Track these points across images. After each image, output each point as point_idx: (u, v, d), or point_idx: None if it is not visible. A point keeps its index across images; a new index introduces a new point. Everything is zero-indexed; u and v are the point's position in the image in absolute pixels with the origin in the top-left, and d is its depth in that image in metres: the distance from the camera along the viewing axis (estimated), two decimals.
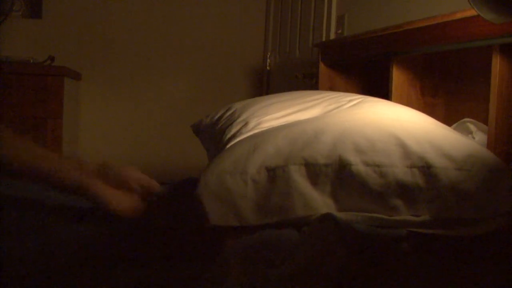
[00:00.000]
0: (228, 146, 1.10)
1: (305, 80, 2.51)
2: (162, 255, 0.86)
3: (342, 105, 1.26)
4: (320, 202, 0.92)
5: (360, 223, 0.86)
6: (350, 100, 1.27)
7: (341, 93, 1.40)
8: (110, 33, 3.15)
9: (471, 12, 1.18)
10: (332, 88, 2.05)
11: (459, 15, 1.29)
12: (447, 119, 1.70)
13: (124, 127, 3.15)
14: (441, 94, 1.72)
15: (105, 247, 0.85)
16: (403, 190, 0.91)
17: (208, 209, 0.89)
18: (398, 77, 1.66)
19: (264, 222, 0.90)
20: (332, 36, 2.53)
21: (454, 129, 1.55)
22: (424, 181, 0.92)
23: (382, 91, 1.60)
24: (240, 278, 0.66)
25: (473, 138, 1.46)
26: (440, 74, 1.72)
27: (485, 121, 1.37)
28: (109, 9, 3.17)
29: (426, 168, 0.92)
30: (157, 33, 3.24)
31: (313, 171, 0.94)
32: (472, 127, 1.48)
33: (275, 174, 0.93)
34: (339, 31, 2.47)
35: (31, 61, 2.70)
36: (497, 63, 1.22)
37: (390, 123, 1.05)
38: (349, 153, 0.94)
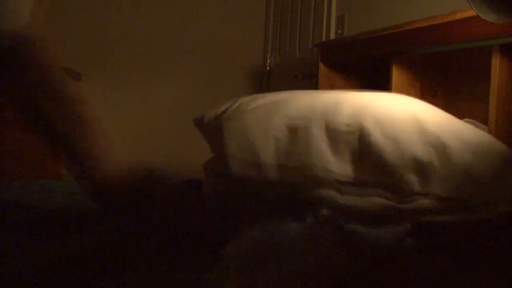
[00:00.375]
0: None
1: (305, 80, 2.51)
2: (159, 259, 0.85)
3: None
4: (338, 167, 0.95)
5: (366, 221, 0.87)
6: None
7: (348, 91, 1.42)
8: (110, 33, 3.15)
9: (471, 13, 1.18)
10: (332, 88, 2.05)
11: (459, 16, 1.29)
12: None
13: (124, 127, 3.15)
14: (441, 94, 1.72)
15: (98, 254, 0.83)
16: (418, 166, 0.93)
17: (231, 161, 0.93)
18: (398, 77, 1.66)
19: (282, 179, 0.93)
20: (332, 36, 2.53)
21: None
22: (439, 160, 0.94)
23: (382, 91, 1.60)
24: (240, 280, 0.67)
25: None
26: (440, 74, 1.72)
27: (485, 121, 1.37)
28: (109, 9, 3.17)
29: (441, 148, 0.95)
30: (157, 33, 3.24)
31: (334, 136, 0.97)
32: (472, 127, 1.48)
33: (297, 134, 0.98)
34: (339, 31, 2.47)
35: None
36: (496, 63, 1.22)
37: (408, 103, 1.09)
38: (369, 123, 0.97)
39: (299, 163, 0.95)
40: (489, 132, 1.26)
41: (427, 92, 1.71)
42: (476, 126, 1.47)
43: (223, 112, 1.39)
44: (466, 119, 1.52)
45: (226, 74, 3.37)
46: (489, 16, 0.95)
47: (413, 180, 0.93)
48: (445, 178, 0.93)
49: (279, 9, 3.20)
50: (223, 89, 3.32)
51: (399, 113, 1.02)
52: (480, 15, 0.95)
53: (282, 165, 0.96)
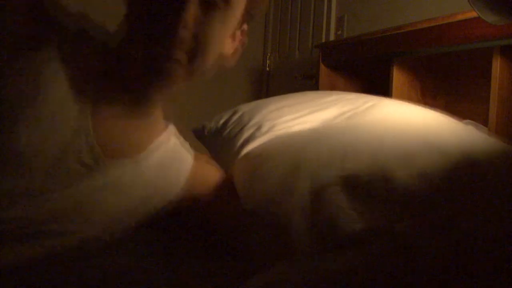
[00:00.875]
0: (245, 152, 1.08)
1: (305, 81, 2.51)
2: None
3: (358, 106, 1.22)
4: (364, 217, 0.87)
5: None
6: (365, 102, 1.24)
7: (351, 94, 1.38)
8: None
9: (472, 14, 1.18)
10: (332, 89, 2.05)
11: (459, 17, 1.29)
12: None
13: None
14: (441, 95, 1.72)
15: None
16: None
17: (259, 240, 0.84)
18: (398, 79, 1.66)
19: (317, 248, 0.83)
20: (332, 37, 2.53)
21: None
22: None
23: (383, 93, 1.60)
24: None
25: None
26: (441, 76, 1.72)
27: (485, 123, 1.37)
28: (109, 9, 3.17)
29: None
30: None
31: (355, 187, 0.86)
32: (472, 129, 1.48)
33: (319, 197, 0.86)
34: (339, 32, 2.48)
35: None
36: (497, 65, 1.22)
37: (421, 127, 1.05)
38: (391, 165, 0.88)
39: (328, 226, 0.82)
40: (489, 133, 1.26)
41: (427, 93, 1.71)
42: (476, 127, 1.48)
43: (224, 124, 1.34)
44: (467, 120, 1.52)
45: (226, 75, 3.37)
46: (490, 18, 0.95)
47: None
48: None
49: (279, 10, 3.20)
50: (223, 89, 3.32)
51: (417, 145, 0.94)
52: (481, 16, 0.95)
53: (312, 232, 0.83)
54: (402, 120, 1.11)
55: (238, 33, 0.94)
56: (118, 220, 0.88)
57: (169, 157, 0.97)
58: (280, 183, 0.88)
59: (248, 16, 0.92)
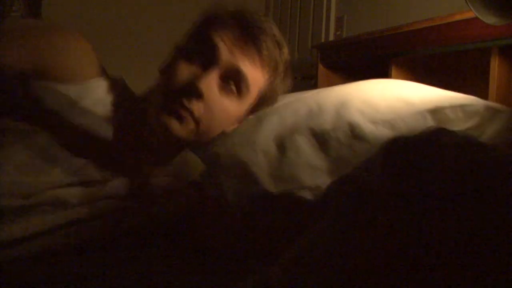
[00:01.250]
0: None
1: (304, 81, 2.51)
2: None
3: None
4: (326, 170, 0.94)
5: None
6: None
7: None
8: (109, 34, 3.15)
9: (470, 14, 1.18)
10: None
11: (457, 17, 1.29)
12: None
13: None
14: None
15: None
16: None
17: (226, 186, 0.93)
18: (396, 79, 1.66)
19: (280, 190, 0.92)
20: (331, 37, 2.53)
21: None
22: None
23: None
24: None
25: None
26: (439, 76, 1.72)
27: None
28: (108, 9, 3.17)
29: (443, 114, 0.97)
30: (157, 34, 3.24)
31: (321, 138, 0.97)
32: None
33: (283, 145, 0.98)
34: (338, 32, 2.48)
35: None
36: (495, 65, 1.23)
37: (391, 86, 1.11)
38: (354, 117, 0.98)
39: (290, 175, 0.96)
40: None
41: None
42: None
43: None
44: None
45: None
46: (488, 18, 0.95)
47: None
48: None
49: (278, 10, 3.20)
50: None
51: (384, 99, 1.02)
52: (479, 17, 0.95)
53: (276, 176, 0.96)
54: (372, 85, 1.14)
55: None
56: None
57: None
58: (244, 135, 0.99)
59: (254, 111, 1.03)
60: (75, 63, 0.97)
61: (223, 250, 0.88)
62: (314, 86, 2.18)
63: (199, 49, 0.97)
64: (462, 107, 0.98)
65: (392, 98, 1.02)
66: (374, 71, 1.96)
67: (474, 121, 0.97)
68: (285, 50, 1.06)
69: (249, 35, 0.98)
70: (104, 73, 1.04)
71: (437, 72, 1.72)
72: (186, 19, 3.16)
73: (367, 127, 0.96)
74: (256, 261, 0.72)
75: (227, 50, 0.95)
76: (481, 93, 1.43)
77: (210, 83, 0.93)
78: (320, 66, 2.09)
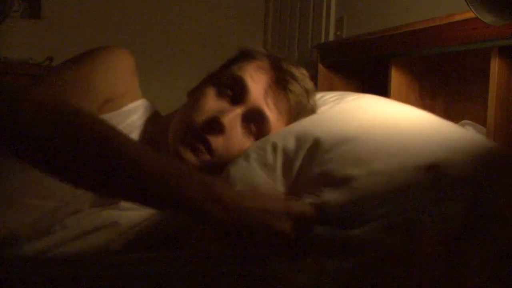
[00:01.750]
0: None
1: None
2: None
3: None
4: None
5: None
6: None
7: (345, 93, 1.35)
8: (109, 33, 3.15)
9: (470, 15, 1.18)
10: (331, 90, 2.05)
11: (457, 18, 1.29)
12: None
13: None
14: (439, 96, 1.72)
15: None
16: None
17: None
18: (396, 79, 1.66)
19: None
20: (331, 38, 2.53)
21: None
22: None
23: (381, 93, 1.60)
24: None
25: None
26: (439, 76, 1.72)
27: (483, 123, 1.37)
28: (108, 9, 3.17)
29: None
30: (156, 33, 3.24)
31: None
32: (470, 129, 1.48)
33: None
34: (338, 33, 2.47)
35: (30, 61, 2.70)
36: (495, 65, 1.22)
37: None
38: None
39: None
40: (488, 134, 1.26)
41: (426, 94, 1.71)
42: (474, 128, 1.48)
43: None
44: (465, 121, 1.53)
45: None
46: (488, 18, 0.95)
47: None
48: None
49: (278, 10, 3.20)
50: None
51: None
52: (479, 17, 0.95)
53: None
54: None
55: None
56: None
57: None
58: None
59: None
60: (124, 89, 0.99)
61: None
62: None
63: (229, 84, 0.98)
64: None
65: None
66: (374, 72, 1.97)
67: None
68: (313, 100, 1.07)
69: (281, 81, 0.99)
70: (139, 93, 1.07)
71: (437, 73, 1.72)
72: (185, 18, 3.08)
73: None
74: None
75: (256, 92, 0.96)
76: (481, 93, 1.43)
77: (235, 120, 0.94)
78: (320, 67, 2.09)
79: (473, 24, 1.23)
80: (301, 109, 1.04)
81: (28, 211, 0.88)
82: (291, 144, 0.92)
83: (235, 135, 0.95)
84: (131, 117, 0.99)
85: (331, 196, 0.79)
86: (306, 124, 1.00)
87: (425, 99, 1.71)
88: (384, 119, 1.00)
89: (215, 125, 0.92)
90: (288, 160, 0.90)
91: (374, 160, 0.83)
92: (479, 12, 0.94)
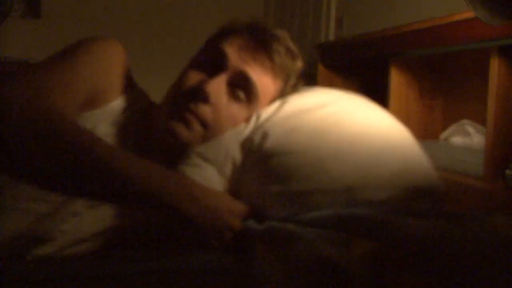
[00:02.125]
0: None
1: (303, 81, 2.51)
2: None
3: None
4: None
5: None
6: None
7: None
8: (109, 32, 3.15)
9: (469, 14, 1.18)
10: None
11: (457, 17, 1.29)
12: (445, 120, 1.71)
13: None
14: (439, 95, 1.73)
15: None
16: None
17: None
18: (396, 79, 1.66)
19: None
20: (331, 37, 2.53)
21: (453, 131, 1.56)
22: None
23: (381, 93, 1.60)
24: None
25: (471, 140, 1.46)
26: (439, 76, 1.72)
27: (483, 123, 1.37)
28: (108, 8, 3.17)
29: None
30: (157, 32, 3.24)
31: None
32: (470, 129, 1.48)
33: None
34: (338, 32, 2.48)
35: (30, 61, 2.70)
36: (495, 65, 1.23)
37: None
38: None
39: None
40: (487, 134, 1.26)
41: (425, 93, 1.71)
42: (474, 128, 1.48)
43: None
44: (464, 120, 1.53)
45: None
46: (487, 18, 0.95)
47: None
48: None
49: (278, 10, 3.20)
50: None
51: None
52: (478, 16, 0.96)
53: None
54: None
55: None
56: None
57: None
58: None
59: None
60: (110, 82, 0.96)
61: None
62: (314, 86, 2.17)
63: (209, 57, 0.96)
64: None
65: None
66: (374, 71, 1.97)
67: None
68: (299, 60, 1.04)
69: (260, 42, 0.96)
70: (131, 85, 1.03)
71: (436, 72, 1.72)
72: (185, 16, 3.06)
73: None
74: None
75: (236, 56, 0.93)
76: (481, 92, 1.44)
77: (218, 87, 0.91)
78: (320, 66, 2.09)
79: (472, 23, 1.23)
80: (289, 71, 1.01)
81: (21, 216, 0.85)
82: (237, 154, 0.93)
83: (222, 103, 0.92)
84: (113, 115, 0.95)
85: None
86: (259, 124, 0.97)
87: (424, 99, 1.71)
88: (335, 134, 0.93)
89: (199, 93, 0.90)
90: (236, 171, 0.93)
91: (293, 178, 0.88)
92: (478, 12, 0.94)
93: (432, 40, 1.42)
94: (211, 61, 0.95)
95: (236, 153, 0.92)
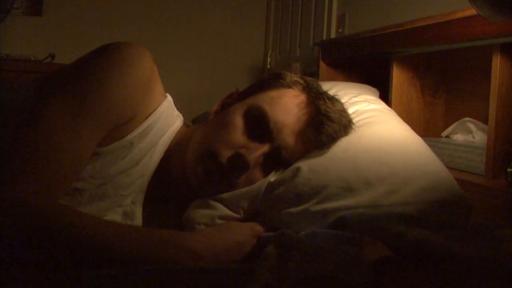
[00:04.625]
0: None
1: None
2: None
3: None
4: None
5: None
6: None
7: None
8: (111, 30, 3.15)
9: (472, 12, 1.18)
10: None
11: (459, 15, 1.29)
12: (447, 118, 1.70)
13: None
14: (441, 93, 1.72)
15: None
16: None
17: None
18: (398, 76, 1.66)
19: None
20: (333, 35, 2.53)
21: (454, 128, 1.56)
22: None
23: (383, 90, 1.60)
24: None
25: (473, 137, 1.46)
26: (440, 73, 1.71)
27: (485, 120, 1.37)
28: (110, 6, 3.17)
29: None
30: (158, 31, 3.23)
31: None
32: (472, 126, 1.48)
33: None
34: (340, 30, 2.47)
35: (32, 58, 2.70)
36: (497, 62, 1.22)
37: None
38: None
39: None
40: (489, 131, 1.26)
41: (427, 91, 1.71)
42: (476, 125, 1.48)
43: None
44: (466, 118, 1.53)
45: (227, 73, 3.37)
46: (489, 15, 0.95)
47: None
48: None
49: (280, 7, 3.20)
50: (224, 87, 3.31)
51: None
52: (480, 14, 0.95)
53: None
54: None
55: None
56: None
57: None
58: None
59: None
60: (135, 108, 0.90)
61: None
62: None
63: (257, 118, 0.94)
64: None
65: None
66: (375, 69, 1.96)
67: None
68: (350, 128, 1.00)
69: (315, 123, 0.94)
70: (163, 94, 1.02)
71: (438, 70, 1.71)
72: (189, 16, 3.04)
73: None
74: None
75: (285, 133, 0.93)
76: (483, 90, 1.43)
77: (259, 158, 0.92)
78: (322, 64, 2.09)
79: (474, 21, 1.23)
80: (334, 139, 0.97)
81: None
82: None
83: (256, 173, 0.93)
84: (137, 145, 0.90)
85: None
86: None
87: (426, 96, 1.71)
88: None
89: (240, 163, 0.89)
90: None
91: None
92: (480, 9, 0.94)
93: (434, 38, 1.41)
94: (258, 122, 0.93)
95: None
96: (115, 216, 0.90)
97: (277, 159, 0.94)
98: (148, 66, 0.93)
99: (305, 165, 0.93)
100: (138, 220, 0.93)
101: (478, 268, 0.64)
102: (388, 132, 1.05)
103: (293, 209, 0.90)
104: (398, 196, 0.90)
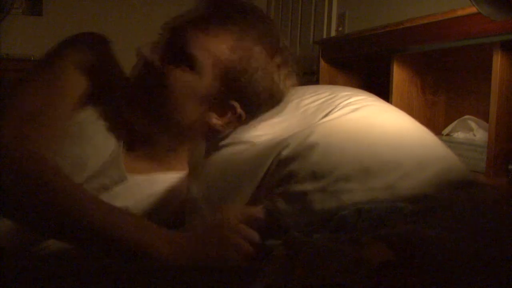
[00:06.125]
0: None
1: (305, 77, 2.51)
2: None
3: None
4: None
5: None
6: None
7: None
8: (110, 30, 3.15)
9: (472, 10, 1.18)
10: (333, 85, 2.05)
11: (459, 13, 1.29)
12: (448, 116, 1.70)
13: None
14: (442, 91, 1.72)
15: None
16: None
17: None
18: (398, 75, 1.66)
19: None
20: (333, 33, 2.53)
21: (455, 126, 1.56)
22: None
23: (383, 89, 1.60)
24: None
25: (474, 135, 1.46)
26: (441, 72, 1.71)
27: (486, 118, 1.37)
28: (110, 6, 3.17)
29: None
30: (158, 30, 3.23)
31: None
32: (473, 124, 1.48)
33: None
34: (340, 28, 2.47)
35: (32, 58, 2.70)
36: (497, 60, 1.22)
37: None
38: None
39: None
40: (490, 129, 1.26)
41: (428, 89, 1.71)
42: (476, 123, 1.48)
43: None
44: (467, 116, 1.53)
45: None
46: (490, 13, 0.95)
47: None
48: None
49: (280, 6, 3.20)
50: None
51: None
52: (481, 12, 0.95)
53: None
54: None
55: (228, 112, 0.96)
56: None
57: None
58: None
59: (232, 94, 0.94)
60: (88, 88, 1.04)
61: None
62: (316, 82, 2.17)
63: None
64: None
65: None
66: (376, 67, 1.96)
67: None
68: (252, 18, 0.97)
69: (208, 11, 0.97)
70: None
71: (439, 68, 1.71)
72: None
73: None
74: None
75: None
76: (484, 88, 1.43)
77: (158, 51, 0.99)
78: (322, 62, 2.09)
79: (475, 19, 1.23)
80: (238, 25, 0.96)
81: None
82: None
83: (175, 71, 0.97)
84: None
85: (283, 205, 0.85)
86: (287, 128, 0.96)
87: (427, 94, 1.71)
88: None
89: (143, 64, 0.99)
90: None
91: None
92: (481, 7, 0.94)
93: (434, 36, 1.41)
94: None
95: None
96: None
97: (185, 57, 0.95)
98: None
99: (322, 142, 0.90)
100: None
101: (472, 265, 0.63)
102: (398, 119, 1.05)
103: (308, 186, 0.85)
104: (415, 180, 0.88)
